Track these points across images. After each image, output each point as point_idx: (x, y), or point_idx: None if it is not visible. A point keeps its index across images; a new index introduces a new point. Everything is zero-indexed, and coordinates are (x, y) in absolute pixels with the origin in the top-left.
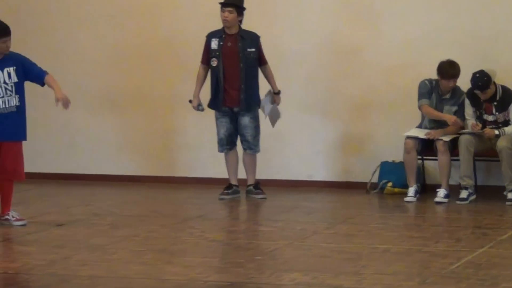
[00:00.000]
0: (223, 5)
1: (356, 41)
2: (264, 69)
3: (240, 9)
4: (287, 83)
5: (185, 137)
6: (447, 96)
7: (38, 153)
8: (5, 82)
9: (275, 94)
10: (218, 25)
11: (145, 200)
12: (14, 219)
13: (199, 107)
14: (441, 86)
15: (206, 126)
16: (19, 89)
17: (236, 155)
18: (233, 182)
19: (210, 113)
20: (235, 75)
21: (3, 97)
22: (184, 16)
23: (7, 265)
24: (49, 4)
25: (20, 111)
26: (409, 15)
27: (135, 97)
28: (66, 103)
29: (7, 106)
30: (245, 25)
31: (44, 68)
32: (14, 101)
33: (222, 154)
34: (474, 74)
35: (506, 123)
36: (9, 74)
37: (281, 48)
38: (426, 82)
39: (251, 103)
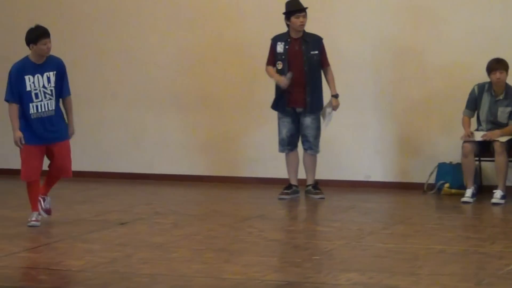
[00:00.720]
0: (299, 11)
1: (416, 43)
2: (326, 71)
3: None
4: (346, 84)
5: (247, 138)
6: (501, 97)
7: (104, 153)
8: (44, 86)
9: (332, 97)
10: (282, 28)
11: (206, 199)
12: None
13: (288, 75)
14: (493, 84)
15: (267, 126)
16: (57, 93)
17: (296, 155)
18: (293, 182)
19: (271, 114)
20: (300, 77)
21: (41, 100)
22: (249, 19)
23: (70, 262)
24: (119, 8)
25: (57, 114)
26: (469, 16)
27: (200, 98)
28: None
29: (46, 109)
30: (305, 28)
31: (116, 71)
32: (52, 104)
33: (282, 154)
34: None
35: None
36: (48, 78)
37: (340, 50)
38: (475, 88)
39: (315, 104)
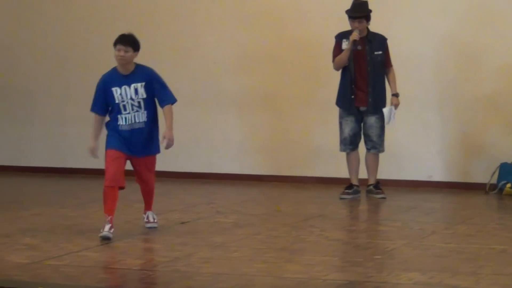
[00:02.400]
0: (354, 17)
1: (477, 43)
2: (388, 71)
3: (368, 17)
4: (408, 84)
5: (307, 137)
6: None
7: (163, 152)
8: (131, 98)
9: (393, 96)
10: (343, 26)
11: (267, 199)
12: (146, 221)
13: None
14: None
15: (328, 126)
16: (147, 105)
17: (358, 155)
18: (354, 182)
19: (332, 114)
20: (363, 77)
21: (129, 113)
22: (310, 18)
23: (132, 261)
24: (177, 7)
25: (148, 127)
26: None
27: (260, 97)
28: (169, 144)
29: (134, 122)
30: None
31: (175, 70)
32: (141, 117)
33: (343, 154)
34: None
35: None
36: (136, 90)
37: (401, 50)
38: None
39: (378, 104)
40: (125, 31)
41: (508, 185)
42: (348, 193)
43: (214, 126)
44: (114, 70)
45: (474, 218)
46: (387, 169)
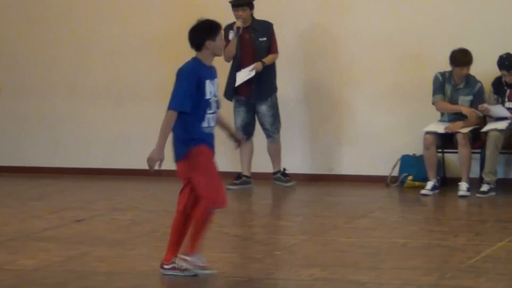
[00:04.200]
0: (236, 5)
1: (377, 35)
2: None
3: (251, 5)
4: (306, 74)
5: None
6: (462, 85)
7: (59, 148)
8: (215, 95)
9: (260, 62)
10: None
11: (166, 194)
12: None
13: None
14: (454, 75)
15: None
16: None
17: (251, 146)
18: (245, 172)
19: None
20: (249, 63)
21: (214, 112)
22: (207, 10)
23: (24, 262)
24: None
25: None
26: (432, 5)
27: (158, 91)
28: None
29: (213, 125)
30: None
31: (72, 64)
32: (215, 119)
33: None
34: (501, 55)
35: None
36: (218, 86)
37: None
38: (438, 75)
39: (264, 92)
40: (23, 24)
41: (410, 177)
42: (235, 184)
43: (111, 120)
44: (198, 61)
45: (376, 212)
46: (289, 162)
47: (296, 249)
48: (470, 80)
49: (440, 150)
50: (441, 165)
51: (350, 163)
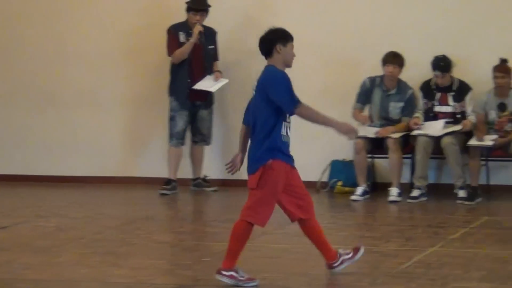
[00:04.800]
0: (196, 10)
1: (300, 39)
2: (215, 64)
3: (208, 11)
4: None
5: (132, 136)
6: (393, 91)
7: None
8: None
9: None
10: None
11: (91, 201)
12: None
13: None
14: (385, 78)
15: (155, 121)
16: None
17: (181, 150)
18: (173, 177)
19: (160, 109)
20: (201, 71)
21: (290, 122)
22: (132, 17)
23: None
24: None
25: None
26: (359, 11)
27: (79, 96)
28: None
29: (290, 133)
30: None
31: None
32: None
33: (162, 154)
34: (437, 56)
35: (462, 114)
36: None
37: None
38: (367, 81)
39: (213, 98)
40: None
41: (339, 183)
42: (166, 189)
43: (35, 126)
44: (274, 66)
45: None
46: (217, 168)
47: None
48: (401, 86)
49: (370, 155)
50: (371, 170)
51: None
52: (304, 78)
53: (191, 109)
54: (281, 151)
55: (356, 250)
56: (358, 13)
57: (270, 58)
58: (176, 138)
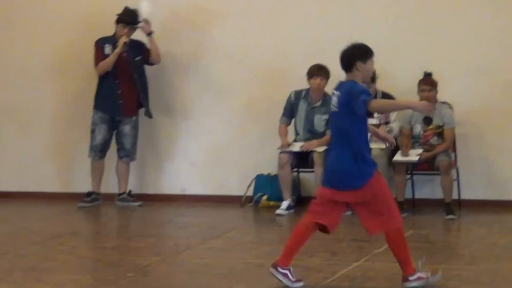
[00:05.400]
0: (126, 23)
1: (239, 50)
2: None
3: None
4: (158, 92)
5: (58, 150)
6: (318, 104)
7: None
8: None
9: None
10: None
11: (16, 216)
12: None
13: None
14: (311, 91)
15: (83, 137)
16: None
17: (104, 163)
18: (96, 189)
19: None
20: (128, 84)
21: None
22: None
23: None
24: None
25: None
26: (288, 22)
27: (7, 111)
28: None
29: None
30: None
31: None
32: None
33: (87, 168)
34: None
35: (387, 124)
36: None
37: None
38: (292, 94)
39: (131, 109)
40: None
41: (264, 197)
42: (86, 201)
43: None
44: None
45: (230, 232)
46: (139, 183)
47: (149, 270)
48: (326, 99)
49: (295, 169)
50: (296, 185)
51: (204, 183)
52: (231, 90)
53: (111, 123)
54: (374, 164)
55: (434, 273)
56: (285, 26)
57: (349, 74)
58: (94, 151)
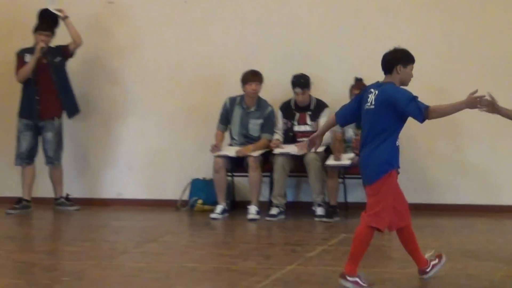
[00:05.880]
0: (41, 29)
1: (175, 56)
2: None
3: (54, 31)
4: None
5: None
6: (252, 109)
7: None
8: None
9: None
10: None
11: None
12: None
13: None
14: (246, 96)
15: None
16: None
17: (33, 170)
18: (26, 197)
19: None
20: (48, 88)
21: None
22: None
23: None
24: None
25: None
26: (223, 30)
27: None
28: None
29: None
30: None
31: None
32: None
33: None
34: (295, 74)
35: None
36: None
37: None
38: (227, 101)
39: (50, 113)
40: None
41: (200, 201)
42: (15, 208)
43: None
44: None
45: (165, 236)
46: (76, 187)
47: (85, 274)
48: (261, 104)
49: (230, 174)
50: (231, 189)
51: (140, 187)
52: (168, 96)
53: (35, 129)
54: (396, 160)
55: (439, 257)
56: (220, 32)
57: (389, 75)
58: (20, 158)
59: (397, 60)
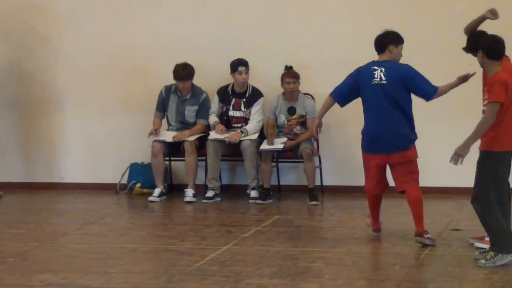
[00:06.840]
0: None
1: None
2: None
3: None
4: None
5: None
6: (188, 96)
7: None
8: None
9: None
10: None
11: None
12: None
13: None
14: (179, 87)
15: None
16: None
17: None
18: None
19: None
20: None
21: None
22: None
23: None
24: None
25: None
26: (157, 22)
27: None
28: None
29: None
30: None
31: None
32: None
33: None
34: (233, 60)
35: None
36: None
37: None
38: (162, 90)
39: None
40: None
41: (138, 184)
42: None
43: None
44: None
45: (106, 218)
46: (20, 172)
47: (28, 255)
48: (195, 92)
49: (167, 158)
50: (168, 173)
51: (81, 171)
52: (106, 87)
53: None
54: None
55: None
56: (155, 24)
57: (382, 54)
58: None
59: (389, 40)
